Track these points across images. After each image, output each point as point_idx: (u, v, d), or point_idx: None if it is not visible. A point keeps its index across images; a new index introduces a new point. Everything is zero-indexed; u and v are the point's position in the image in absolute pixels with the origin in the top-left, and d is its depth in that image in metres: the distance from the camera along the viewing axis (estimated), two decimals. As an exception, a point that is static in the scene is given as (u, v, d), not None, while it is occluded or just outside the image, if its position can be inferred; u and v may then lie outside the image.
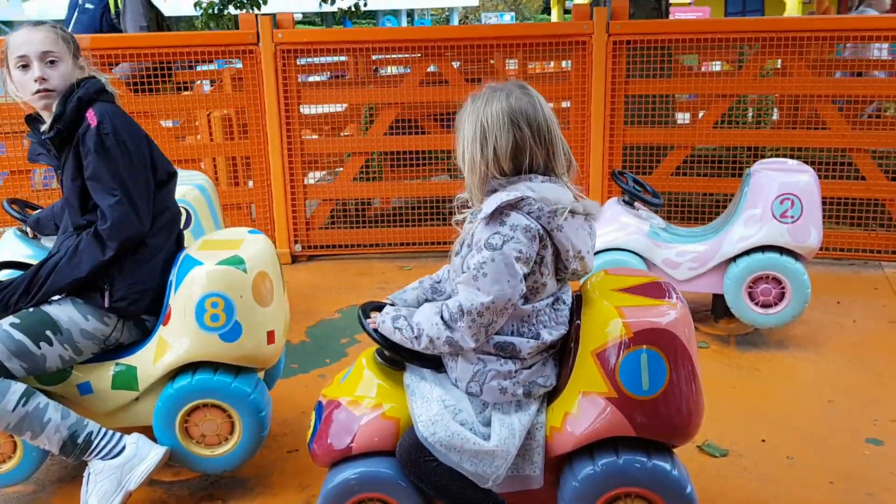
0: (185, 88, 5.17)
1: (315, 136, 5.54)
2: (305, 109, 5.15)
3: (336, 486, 2.10)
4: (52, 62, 2.49)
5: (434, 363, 2.15)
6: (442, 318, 2.00)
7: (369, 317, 2.18)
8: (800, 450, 2.87)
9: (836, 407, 3.19)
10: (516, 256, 1.94)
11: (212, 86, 6.10)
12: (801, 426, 3.04)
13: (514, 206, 1.96)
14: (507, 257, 1.94)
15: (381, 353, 2.21)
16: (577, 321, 2.09)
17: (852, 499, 2.58)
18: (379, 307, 2.23)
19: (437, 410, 2.02)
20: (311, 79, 5.80)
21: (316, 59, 5.57)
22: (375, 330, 2.14)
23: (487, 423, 2.03)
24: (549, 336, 2.05)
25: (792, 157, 4.67)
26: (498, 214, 1.96)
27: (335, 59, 6.10)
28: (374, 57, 5.96)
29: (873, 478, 2.69)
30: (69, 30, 2.73)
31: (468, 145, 2.02)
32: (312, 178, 5.62)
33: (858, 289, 4.51)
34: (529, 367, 2.05)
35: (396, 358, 2.18)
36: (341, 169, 5.42)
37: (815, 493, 2.61)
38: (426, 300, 2.25)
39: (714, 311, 4.04)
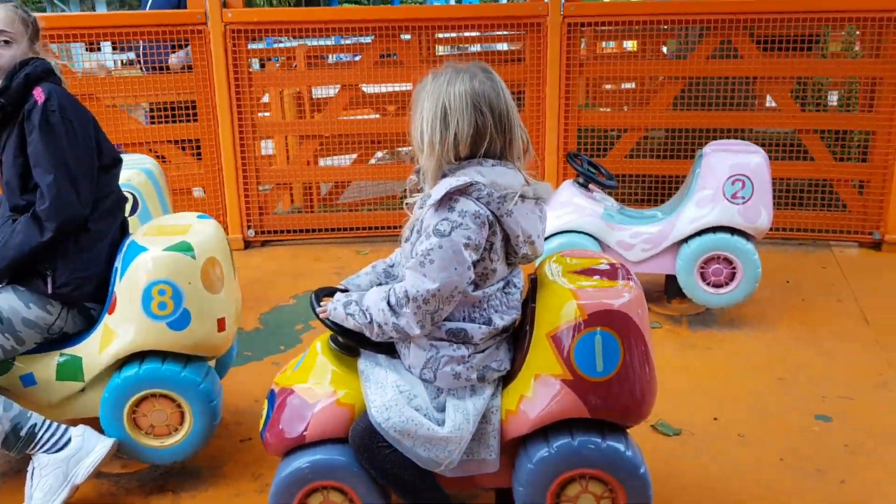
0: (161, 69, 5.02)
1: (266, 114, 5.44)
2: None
3: (289, 474, 2.07)
4: (5, 42, 2.46)
5: (388, 349, 2.13)
6: (388, 303, 1.97)
7: (322, 303, 2.15)
8: (751, 428, 2.92)
9: (787, 385, 3.24)
10: (465, 243, 1.91)
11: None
12: (752, 404, 3.09)
13: (462, 191, 1.93)
14: (456, 244, 1.91)
15: (334, 340, 2.17)
16: (532, 304, 2.07)
17: (802, 475, 2.63)
18: (332, 293, 2.19)
19: (391, 396, 1.99)
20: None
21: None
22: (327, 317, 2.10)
23: (442, 409, 2.01)
24: (500, 321, 2.04)
25: (743, 138, 4.74)
26: (447, 200, 1.93)
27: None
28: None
29: (823, 454, 2.74)
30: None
31: (427, 125, 1.97)
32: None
33: (807, 268, 4.60)
34: (482, 352, 2.03)
35: (350, 344, 2.15)
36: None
37: (766, 471, 2.66)
38: (379, 284, 2.22)
39: (667, 291, 4.08)
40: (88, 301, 2.54)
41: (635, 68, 5.01)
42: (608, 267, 2.16)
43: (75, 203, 2.42)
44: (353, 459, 2.06)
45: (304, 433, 2.08)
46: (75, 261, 2.47)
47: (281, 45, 5.63)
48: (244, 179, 5.11)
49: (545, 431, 2.03)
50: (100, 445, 2.42)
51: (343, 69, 5.12)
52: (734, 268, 3.70)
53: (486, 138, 1.97)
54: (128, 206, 2.78)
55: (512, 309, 2.07)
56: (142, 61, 5.06)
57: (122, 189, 2.72)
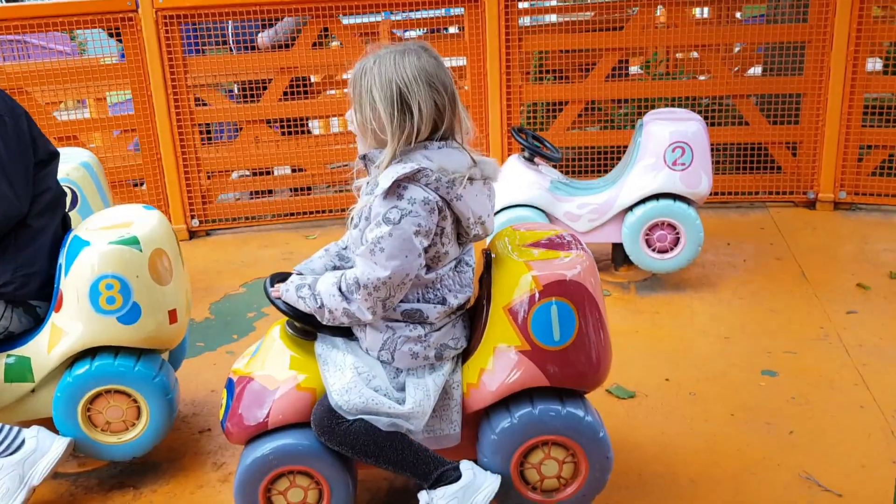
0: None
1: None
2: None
3: (253, 461, 2.06)
4: None
5: (345, 332, 2.13)
6: (339, 289, 1.97)
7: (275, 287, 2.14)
8: (701, 386, 3.01)
9: (733, 343, 3.35)
10: (415, 231, 1.91)
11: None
12: (700, 363, 3.18)
13: (410, 178, 1.92)
14: (406, 232, 1.90)
15: (291, 325, 2.16)
16: (488, 278, 2.10)
17: (752, 428, 2.73)
18: (285, 278, 2.18)
19: (350, 378, 2.00)
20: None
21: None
22: (282, 301, 2.09)
23: (402, 389, 2.03)
24: (454, 300, 2.05)
25: (680, 106, 4.83)
26: (395, 188, 1.91)
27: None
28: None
29: (771, 407, 2.85)
30: None
31: (383, 110, 1.91)
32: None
33: (746, 230, 4.73)
34: (439, 330, 2.05)
35: (307, 328, 2.14)
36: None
37: (717, 426, 2.75)
38: (334, 267, 2.21)
39: (614, 259, 4.16)
40: (33, 299, 2.48)
41: (576, 40, 5.05)
42: (560, 238, 2.19)
43: (11, 199, 2.35)
44: (318, 442, 2.06)
45: (266, 420, 2.07)
46: (16, 258, 2.40)
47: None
48: (185, 168, 5.01)
49: (506, 402, 2.07)
50: (55, 445, 2.38)
51: (280, 54, 5.03)
52: (678, 233, 3.79)
53: (444, 118, 1.96)
54: (67, 201, 2.71)
55: (465, 287, 2.09)
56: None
57: (61, 184, 2.65)
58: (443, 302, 2.04)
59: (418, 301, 2.03)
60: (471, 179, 1.98)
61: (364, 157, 2.06)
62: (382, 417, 1.98)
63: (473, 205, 2.00)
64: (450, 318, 2.09)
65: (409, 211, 1.90)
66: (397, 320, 2.03)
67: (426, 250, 1.96)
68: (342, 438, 2.00)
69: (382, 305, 1.96)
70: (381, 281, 1.92)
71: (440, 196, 1.94)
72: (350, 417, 1.97)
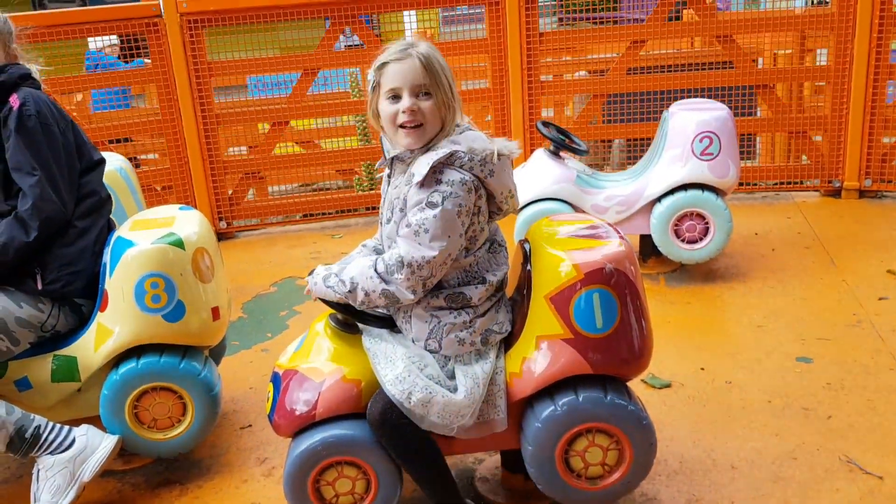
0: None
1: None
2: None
3: (303, 453, 2.10)
4: None
5: (389, 323, 2.16)
6: (376, 270, 2.01)
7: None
8: (737, 374, 3.02)
9: (766, 331, 3.35)
10: (457, 211, 1.96)
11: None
12: (735, 352, 3.19)
13: (445, 162, 1.96)
14: (449, 213, 1.95)
15: (334, 318, 2.20)
16: (528, 268, 2.12)
17: (790, 414, 2.73)
18: None
19: (402, 367, 2.03)
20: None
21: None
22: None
23: (452, 376, 2.06)
24: (493, 277, 2.10)
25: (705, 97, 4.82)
26: (431, 175, 1.96)
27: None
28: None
29: (807, 393, 2.85)
30: None
31: (453, 86, 2.00)
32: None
33: (773, 219, 4.73)
34: (483, 315, 2.08)
35: (350, 321, 2.18)
36: None
37: (755, 412, 2.76)
38: None
39: (642, 251, 4.16)
40: (79, 297, 2.53)
41: (597, 35, 5.07)
42: (596, 227, 2.21)
43: (56, 202, 2.41)
44: (365, 433, 2.09)
45: (314, 412, 2.11)
46: (63, 257, 2.46)
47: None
48: (212, 171, 5.07)
49: (550, 391, 2.09)
50: (105, 443, 2.42)
51: (304, 54, 5.08)
52: (707, 223, 3.79)
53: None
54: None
55: (502, 265, 2.14)
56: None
57: (103, 188, 2.70)
58: (483, 281, 2.08)
59: (459, 284, 2.07)
60: (499, 156, 2.03)
61: (394, 159, 2.08)
62: (435, 411, 2.01)
63: (504, 179, 2.06)
64: (491, 301, 2.12)
65: (450, 193, 1.95)
66: (441, 308, 2.06)
67: (466, 230, 2.00)
68: (396, 436, 2.04)
69: (423, 285, 2.00)
70: (425, 260, 1.96)
71: (475, 175, 1.99)
72: (407, 405, 2.00)
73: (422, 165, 1.96)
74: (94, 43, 6.57)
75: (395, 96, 1.99)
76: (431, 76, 1.97)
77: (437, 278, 2.02)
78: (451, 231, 1.97)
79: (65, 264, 2.45)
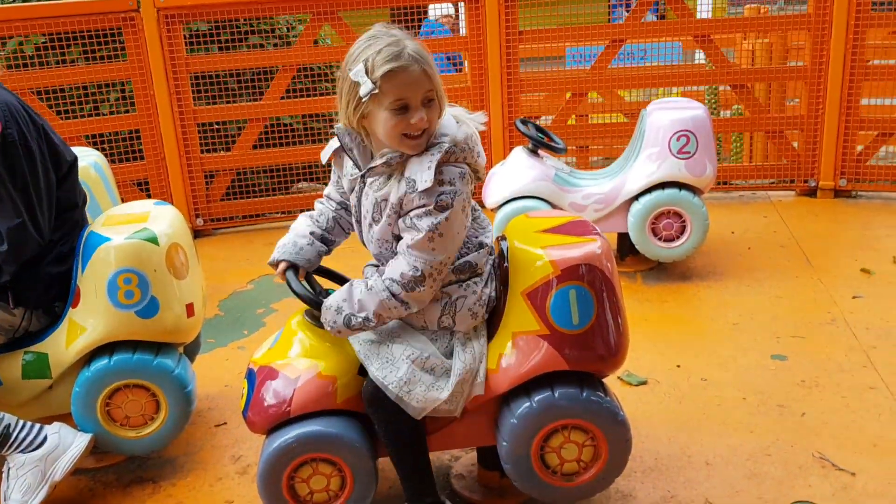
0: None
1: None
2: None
3: (277, 449, 2.08)
4: None
5: None
6: (395, 296, 1.97)
7: (300, 281, 2.15)
8: (712, 371, 3.04)
9: (741, 329, 3.38)
10: (463, 206, 1.96)
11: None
12: (711, 349, 3.21)
13: (442, 161, 1.93)
14: (457, 212, 1.94)
15: (310, 314, 2.18)
16: (504, 264, 2.12)
17: (764, 411, 2.75)
18: (294, 267, 2.18)
19: (406, 369, 2.01)
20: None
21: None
22: (302, 288, 2.11)
23: (451, 354, 2.07)
24: (487, 239, 2.12)
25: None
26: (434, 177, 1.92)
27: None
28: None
29: (781, 390, 2.87)
30: None
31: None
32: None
33: (749, 218, 4.76)
34: (486, 283, 2.10)
35: None
36: None
37: (730, 410, 2.78)
38: (325, 252, 2.23)
39: (619, 249, 4.18)
40: (54, 301, 2.49)
41: (576, 33, 5.09)
42: (574, 223, 2.22)
43: (35, 240, 2.37)
44: (341, 430, 2.08)
45: (289, 408, 2.09)
46: (37, 268, 2.42)
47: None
48: (189, 167, 5.02)
49: (526, 387, 2.09)
50: (77, 441, 2.39)
51: (281, 51, 5.05)
52: (684, 221, 3.81)
53: None
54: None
55: (486, 227, 2.16)
56: None
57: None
58: (481, 245, 2.10)
59: (461, 256, 2.06)
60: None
61: (386, 163, 1.98)
62: (439, 402, 2.03)
63: (482, 152, 2.06)
64: (490, 264, 2.12)
65: (456, 191, 1.93)
66: (451, 283, 2.06)
67: (469, 215, 2.03)
68: (386, 413, 2.04)
69: (440, 284, 2.02)
70: (443, 264, 1.97)
71: (467, 164, 1.98)
72: (414, 404, 2.01)
73: (424, 170, 1.91)
74: (433, 11, 6.60)
75: (403, 107, 1.89)
76: (433, 81, 1.92)
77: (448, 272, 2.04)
78: (461, 228, 1.98)
79: (39, 275, 2.42)
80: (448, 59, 6.66)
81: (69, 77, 4.80)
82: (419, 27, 6.69)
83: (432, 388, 2.01)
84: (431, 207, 1.92)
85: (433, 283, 1.98)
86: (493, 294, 2.12)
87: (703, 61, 5.54)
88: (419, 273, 1.95)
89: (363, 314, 2.00)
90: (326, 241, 2.24)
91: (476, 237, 2.11)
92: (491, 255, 2.15)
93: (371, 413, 2.08)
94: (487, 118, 2.11)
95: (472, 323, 2.08)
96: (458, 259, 2.06)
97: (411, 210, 1.94)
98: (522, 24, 5.00)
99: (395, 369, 2.02)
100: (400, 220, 1.98)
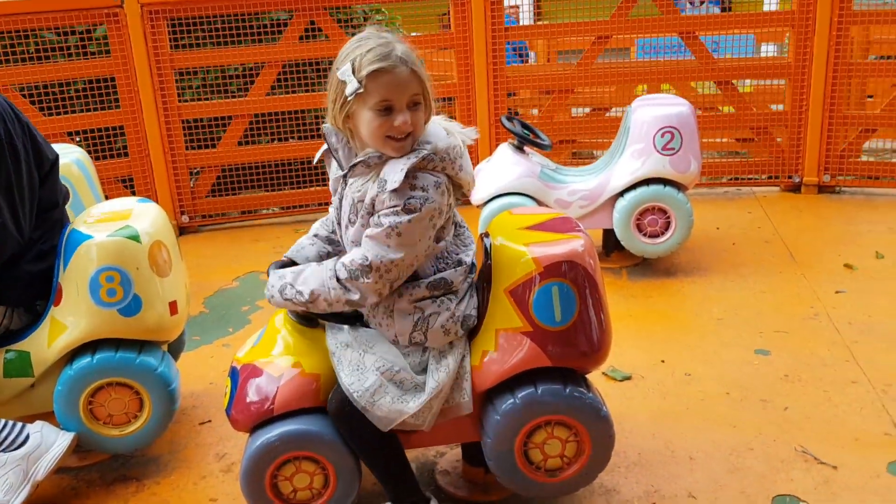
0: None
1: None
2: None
3: (260, 448, 2.08)
4: None
5: (351, 319, 2.14)
6: (339, 280, 1.97)
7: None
8: (696, 366, 3.05)
9: (725, 324, 3.40)
10: (431, 216, 1.94)
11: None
12: (695, 344, 3.23)
13: (418, 167, 1.92)
14: (423, 218, 1.92)
15: (293, 312, 2.18)
16: (488, 261, 2.12)
17: (747, 405, 2.77)
18: (286, 265, 2.19)
19: (374, 380, 2.00)
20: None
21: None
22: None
23: (424, 370, 2.05)
24: (467, 258, 2.10)
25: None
26: (406, 181, 1.91)
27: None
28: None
29: (765, 385, 2.89)
30: None
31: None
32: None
33: (734, 214, 4.79)
34: (462, 300, 2.08)
35: (311, 315, 2.16)
36: None
37: (714, 404, 2.79)
38: (328, 254, 2.22)
39: (605, 245, 4.19)
40: (36, 299, 2.48)
41: (561, 30, 5.09)
42: (557, 220, 2.22)
43: (16, 240, 2.35)
44: (324, 428, 2.08)
45: (272, 406, 2.09)
46: (16, 266, 2.40)
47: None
48: (174, 164, 5.00)
49: (509, 383, 2.09)
50: (60, 440, 2.37)
51: (267, 46, 5.03)
52: (668, 217, 3.83)
53: None
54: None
55: (469, 245, 2.14)
56: None
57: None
58: (459, 263, 2.08)
59: (437, 271, 2.05)
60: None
61: (364, 163, 1.98)
62: (405, 415, 2.01)
63: (468, 168, 2.04)
64: (468, 283, 2.11)
65: (426, 198, 1.91)
66: (424, 298, 2.04)
67: (437, 226, 1.99)
68: (352, 425, 2.03)
69: (390, 287, 1.97)
70: (393, 263, 1.93)
71: (447, 175, 1.96)
72: (378, 414, 1.99)
73: (396, 172, 1.91)
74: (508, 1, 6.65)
75: (388, 108, 1.88)
76: (421, 84, 1.91)
77: (403, 279, 2.00)
78: (423, 235, 1.94)
79: (20, 275, 2.40)
80: (514, 49, 6.61)
81: (51, 73, 4.76)
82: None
83: (398, 401, 2.00)
84: (399, 209, 1.91)
85: (379, 278, 1.94)
86: (473, 313, 2.09)
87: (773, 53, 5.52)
88: (367, 263, 1.93)
89: (300, 287, 2.00)
90: (332, 241, 2.22)
91: (456, 254, 2.09)
92: (471, 273, 2.12)
93: (337, 422, 2.06)
94: (478, 134, 2.10)
95: (444, 340, 2.05)
96: (434, 274, 2.04)
97: (381, 210, 1.93)
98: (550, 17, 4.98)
99: (364, 379, 2.01)
100: (370, 220, 1.97)
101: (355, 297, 1.97)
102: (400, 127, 1.89)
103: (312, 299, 1.99)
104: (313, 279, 2.00)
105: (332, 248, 2.23)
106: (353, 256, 1.97)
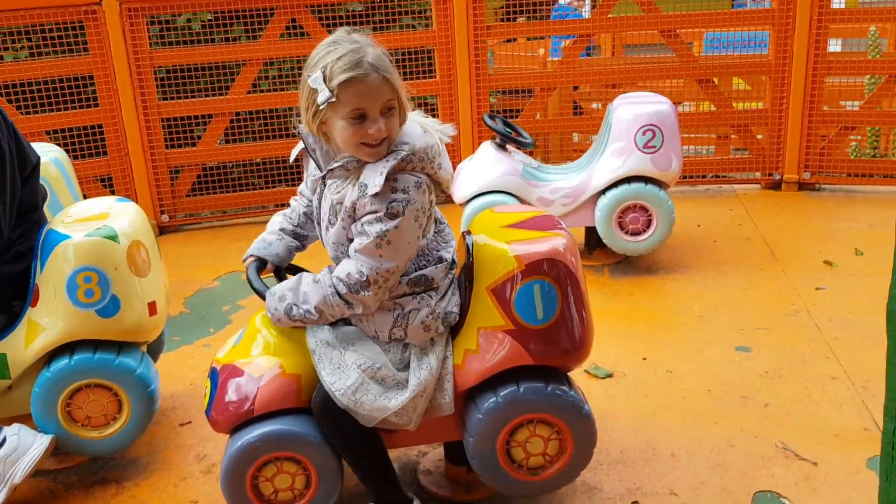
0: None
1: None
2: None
3: (240, 449, 2.06)
4: None
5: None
6: (340, 296, 1.97)
7: (262, 277, 2.14)
8: (678, 363, 3.06)
9: (707, 321, 3.41)
10: (416, 216, 1.93)
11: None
12: (676, 342, 3.24)
13: (398, 169, 1.91)
14: (409, 221, 1.91)
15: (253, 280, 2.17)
16: (470, 260, 2.12)
17: (729, 402, 2.78)
18: (263, 264, 2.19)
19: (355, 378, 2.00)
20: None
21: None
22: (259, 283, 2.11)
23: (406, 367, 2.04)
24: (447, 254, 2.09)
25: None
26: (387, 184, 1.90)
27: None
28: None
29: (745, 381, 2.91)
30: None
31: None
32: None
33: (715, 211, 4.81)
34: (443, 297, 2.07)
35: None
36: None
37: (695, 402, 2.80)
38: (297, 248, 2.23)
39: (587, 243, 4.20)
40: (13, 301, 2.44)
41: (542, 28, 5.10)
42: (539, 219, 2.22)
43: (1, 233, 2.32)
44: (305, 428, 2.07)
45: (252, 407, 2.07)
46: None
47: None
48: (153, 163, 4.95)
49: (492, 382, 2.09)
50: (37, 443, 2.35)
51: (248, 44, 4.99)
52: (650, 215, 3.84)
53: None
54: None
55: (450, 241, 2.14)
56: None
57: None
58: (439, 260, 2.07)
59: (418, 268, 2.05)
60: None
61: (343, 167, 1.97)
62: (388, 412, 2.00)
63: (447, 165, 2.03)
64: (449, 279, 2.10)
65: (409, 200, 1.90)
66: (404, 295, 2.03)
67: (423, 226, 1.99)
68: (335, 423, 2.02)
69: (388, 293, 1.99)
70: (390, 272, 1.94)
71: (427, 174, 1.96)
72: (361, 412, 1.99)
73: (375, 176, 1.89)
74: None
75: (361, 116, 1.86)
76: (393, 90, 1.89)
77: (398, 279, 2.00)
78: (412, 238, 1.95)
79: None
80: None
81: (30, 71, 4.70)
82: (551, 8, 6.71)
83: (380, 398, 1.99)
84: (382, 214, 1.90)
85: (378, 289, 1.95)
86: (454, 309, 2.08)
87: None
88: (364, 278, 1.93)
89: (306, 306, 2.00)
90: (299, 236, 2.23)
91: (437, 251, 2.08)
92: (451, 269, 2.12)
93: (320, 420, 2.05)
94: (456, 131, 2.09)
95: (424, 336, 2.05)
96: (415, 271, 2.04)
97: (363, 216, 1.92)
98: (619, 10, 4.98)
99: (346, 377, 2.00)
100: (353, 225, 1.96)
101: (359, 309, 1.99)
102: (374, 135, 1.88)
103: (319, 316, 2.01)
104: (314, 296, 2.00)
105: (300, 242, 2.23)
106: (348, 270, 1.96)
